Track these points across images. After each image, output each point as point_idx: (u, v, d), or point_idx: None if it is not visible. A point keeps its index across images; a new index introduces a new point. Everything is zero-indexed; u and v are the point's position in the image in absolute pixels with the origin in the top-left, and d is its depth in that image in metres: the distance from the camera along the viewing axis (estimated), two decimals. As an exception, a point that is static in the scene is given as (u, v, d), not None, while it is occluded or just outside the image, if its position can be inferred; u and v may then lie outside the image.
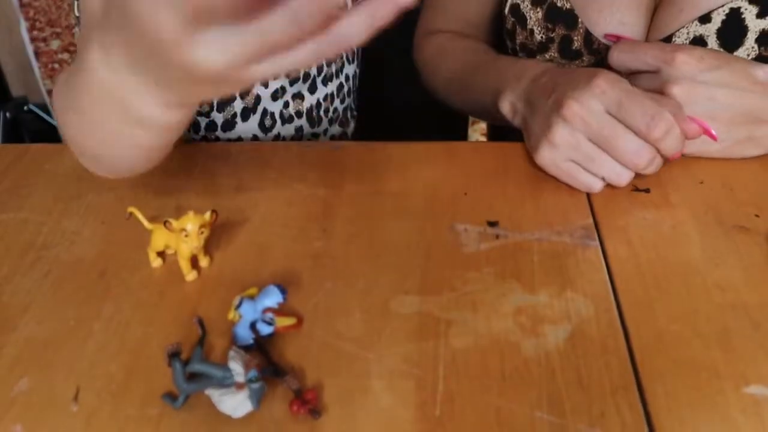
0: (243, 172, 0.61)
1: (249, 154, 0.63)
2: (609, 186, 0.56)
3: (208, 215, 0.48)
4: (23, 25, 1.55)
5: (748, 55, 0.59)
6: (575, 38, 0.66)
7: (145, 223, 0.50)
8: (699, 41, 0.60)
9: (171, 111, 0.40)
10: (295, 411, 0.39)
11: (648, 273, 0.48)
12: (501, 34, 0.77)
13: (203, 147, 0.65)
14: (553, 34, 0.67)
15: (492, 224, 0.53)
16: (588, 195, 0.56)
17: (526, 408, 0.39)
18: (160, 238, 0.49)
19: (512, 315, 0.45)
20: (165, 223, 0.47)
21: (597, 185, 0.55)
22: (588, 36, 0.65)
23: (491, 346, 0.43)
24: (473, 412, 0.39)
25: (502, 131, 0.95)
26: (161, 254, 0.51)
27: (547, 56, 0.69)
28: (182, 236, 0.47)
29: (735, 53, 0.59)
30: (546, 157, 0.55)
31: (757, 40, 0.58)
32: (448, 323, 0.45)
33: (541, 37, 0.68)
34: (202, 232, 0.47)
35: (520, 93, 0.60)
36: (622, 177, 0.54)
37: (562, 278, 0.48)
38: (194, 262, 0.50)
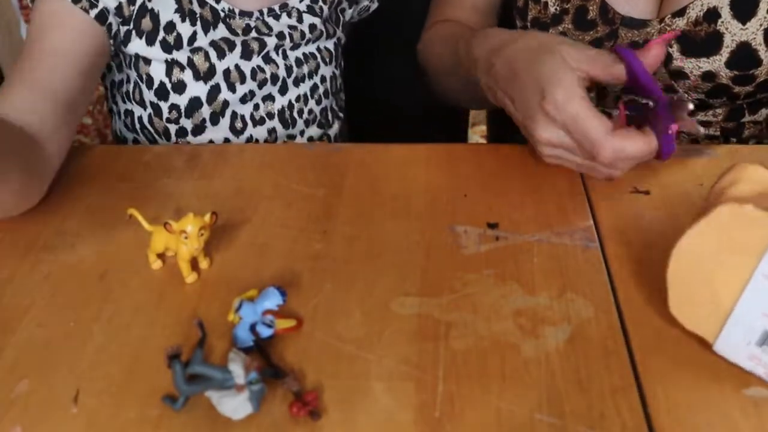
0: (243, 173, 0.61)
1: (248, 155, 0.63)
2: (609, 187, 0.56)
3: (207, 217, 0.48)
4: (23, 27, 1.55)
5: (761, 25, 0.60)
6: (591, 8, 0.66)
7: (145, 224, 0.50)
8: (713, 13, 0.60)
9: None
10: (295, 413, 0.39)
11: (648, 274, 0.48)
12: (506, 19, 0.77)
13: (203, 149, 0.65)
14: (568, 5, 0.68)
15: (492, 226, 0.53)
16: (588, 196, 0.56)
17: (526, 409, 0.39)
18: (160, 240, 0.49)
19: (512, 316, 0.45)
20: (165, 224, 0.47)
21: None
22: (604, 5, 0.66)
23: (491, 347, 0.43)
24: (473, 414, 0.39)
25: (502, 133, 0.94)
26: (161, 256, 0.51)
27: (560, 28, 0.69)
28: (182, 238, 0.47)
29: (748, 23, 0.60)
30: (543, 154, 0.56)
31: None
32: (448, 325, 0.45)
33: (556, 9, 0.69)
34: (202, 234, 0.47)
35: (485, 83, 0.60)
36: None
37: (562, 280, 0.48)
38: (194, 263, 0.50)
